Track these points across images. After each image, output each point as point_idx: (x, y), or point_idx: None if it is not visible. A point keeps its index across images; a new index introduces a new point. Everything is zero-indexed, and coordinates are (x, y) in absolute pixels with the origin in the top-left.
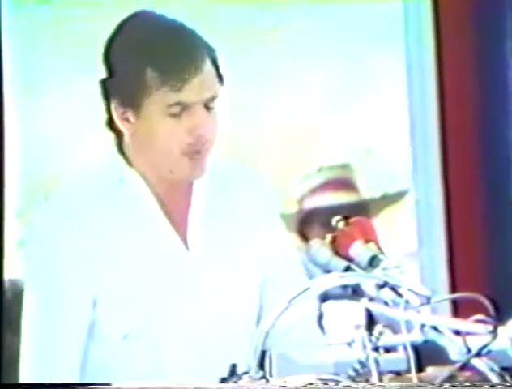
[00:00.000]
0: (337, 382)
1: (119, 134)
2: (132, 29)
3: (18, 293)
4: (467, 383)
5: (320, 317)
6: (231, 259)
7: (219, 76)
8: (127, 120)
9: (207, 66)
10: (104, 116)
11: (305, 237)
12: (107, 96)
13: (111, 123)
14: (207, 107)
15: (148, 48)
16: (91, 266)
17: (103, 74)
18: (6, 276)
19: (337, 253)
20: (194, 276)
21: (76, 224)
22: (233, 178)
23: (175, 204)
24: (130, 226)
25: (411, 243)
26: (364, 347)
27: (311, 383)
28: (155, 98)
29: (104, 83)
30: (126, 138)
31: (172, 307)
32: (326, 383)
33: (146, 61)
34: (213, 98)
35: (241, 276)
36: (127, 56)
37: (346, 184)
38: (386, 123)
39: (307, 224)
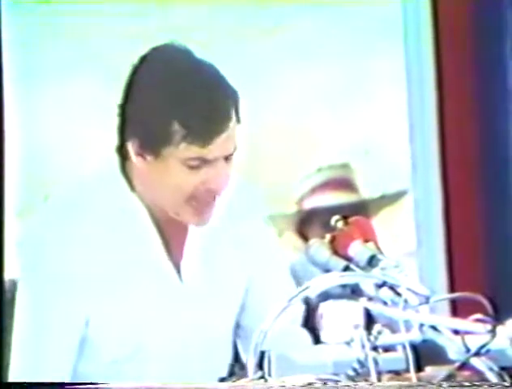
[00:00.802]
0: (336, 381)
1: (125, 159)
2: (162, 66)
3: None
4: (466, 383)
5: (319, 316)
6: (220, 286)
7: (238, 119)
8: (143, 157)
9: (233, 120)
10: (116, 141)
11: (304, 236)
12: (123, 121)
13: (121, 149)
14: (226, 160)
15: (177, 98)
16: (84, 283)
17: (119, 90)
18: (6, 276)
19: (336, 252)
20: (186, 305)
21: (72, 234)
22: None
23: (171, 231)
24: (126, 243)
25: (410, 243)
26: (363, 346)
27: (310, 383)
28: (176, 150)
29: (123, 108)
30: (135, 166)
31: (162, 331)
32: (325, 383)
33: (173, 114)
34: (232, 153)
35: (227, 301)
36: (154, 98)
37: (345, 184)
38: (384, 123)
39: (306, 223)
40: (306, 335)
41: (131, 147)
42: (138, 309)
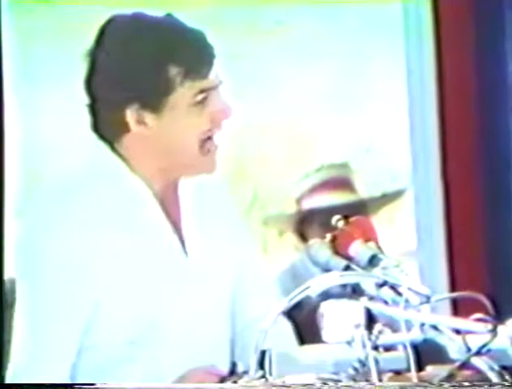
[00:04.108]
0: (337, 381)
1: (113, 138)
2: (136, 33)
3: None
4: (466, 383)
5: (320, 316)
6: (218, 263)
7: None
8: (145, 124)
9: (215, 51)
10: (89, 119)
11: (303, 236)
12: (93, 96)
13: (97, 126)
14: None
15: (166, 49)
16: (91, 266)
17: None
18: (6, 276)
19: (337, 252)
20: (192, 280)
21: (73, 221)
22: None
23: (174, 209)
24: (133, 228)
25: (411, 242)
26: (364, 346)
27: (311, 383)
28: (179, 92)
29: (88, 82)
30: (128, 141)
31: (174, 307)
32: (325, 383)
33: (166, 60)
34: (221, 82)
35: (224, 280)
36: (148, 63)
37: (344, 183)
38: (385, 122)
39: (306, 223)
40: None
41: (131, 117)
42: (147, 288)
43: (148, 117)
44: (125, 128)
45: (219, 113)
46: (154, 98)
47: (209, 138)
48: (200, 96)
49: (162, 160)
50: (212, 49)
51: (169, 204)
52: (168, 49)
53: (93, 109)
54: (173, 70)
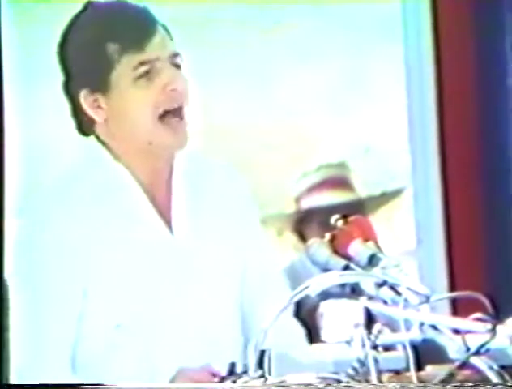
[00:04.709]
0: (336, 381)
1: (92, 131)
2: (85, 19)
3: None
4: (469, 383)
5: (319, 315)
6: (213, 247)
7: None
8: (99, 107)
9: (160, 27)
10: (73, 121)
11: (302, 236)
12: (72, 96)
13: (80, 125)
14: (175, 64)
15: (104, 28)
16: (79, 256)
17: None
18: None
19: (336, 252)
20: (180, 262)
21: (62, 214)
22: (213, 172)
23: (159, 192)
24: (117, 215)
25: (410, 242)
26: (364, 345)
27: (310, 383)
28: (119, 69)
29: (67, 84)
30: (99, 129)
31: (159, 297)
32: (325, 383)
33: (104, 39)
34: (176, 55)
35: (223, 265)
36: (88, 44)
37: (342, 183)
38: (384, 122)
39: (305, 223)
40: (301, 332)
41: (85, 103)
42: (133, 273)
43: (100, 100)
44: (90, 117)
45: (167, 85)
46: (98, 79)
47: (167, 112)
48: (141, 69)
49: (127, 141)
50: (152, 22)
51: (158, 190)
52: (105, 28)
53: (71, 108)
54: (111, 48)
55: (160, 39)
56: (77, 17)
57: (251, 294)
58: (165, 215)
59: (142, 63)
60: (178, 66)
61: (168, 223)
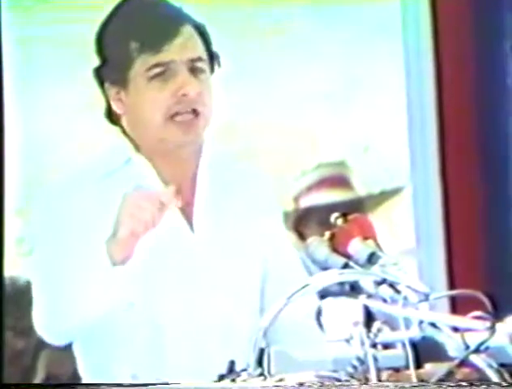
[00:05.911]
0: (336, 379)
1: (117, 121)
2: (121, 12)
3: (18, 291)
4: (464, 383)
5: (318, 313)
6: (234, 245)
7: (209, 49)
8: (120, 100)
9: (187, 29)
10: (104, 106)
11: (301, 234)
12: (102, 84)
13: (109, 112)
14: (192, 69)
15: (130, 25)
16: (99, 239)
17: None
18: (7, 274)
19: (335, 250)
20: (198, 258)
21: (81, 203)
22: (236, 172)
23: (182, 188)
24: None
25: (410, 240)
26: (363, 343)
27: (309, 381)
28: (136, 67)
29: (97, 71)
30: (123, 121)
31: (175, 288)
32: (324, 381)
33: (129, 35)
34: (197, 59)
35: (243, 262)
36: (117, 38)
37: (341, 181)
38: (384, 120)
39: (304, 221)
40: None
41: (109, 95)
42: (154, 267)
43: (121, 93)
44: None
45: (179, 90)
46: (120, 73)
47: (176, 113)
48: (155, 70)
49: (142, 137)
50: (179, 23)
51: (181, 186)
52: (132, 25)
53: (102, 94)
54: (132, 46)
55: (182, 41)
56: (117, 7)
57: (272, 294)
58: (187, 213)
59: (156, 65)
60: (197, 71)
61: (190, 220)
